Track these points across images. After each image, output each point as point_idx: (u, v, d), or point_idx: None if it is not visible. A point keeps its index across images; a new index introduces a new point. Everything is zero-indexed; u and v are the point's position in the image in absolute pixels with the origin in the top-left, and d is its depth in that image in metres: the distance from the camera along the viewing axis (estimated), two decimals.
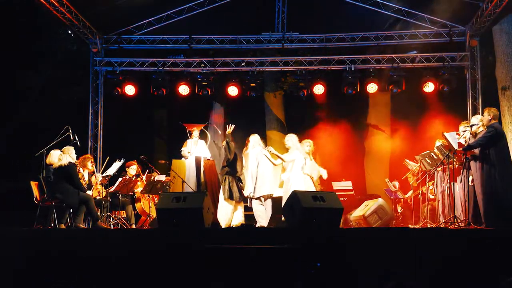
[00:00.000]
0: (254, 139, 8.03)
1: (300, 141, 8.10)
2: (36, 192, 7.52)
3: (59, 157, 7.35)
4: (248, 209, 8.25)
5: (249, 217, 8.28)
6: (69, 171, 7.20)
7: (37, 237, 6.17)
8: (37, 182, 7.56)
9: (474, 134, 6.91)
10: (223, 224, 7.81)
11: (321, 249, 5.56)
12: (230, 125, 8.13)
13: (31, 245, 5.94)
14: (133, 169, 8.72)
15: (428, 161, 7.79)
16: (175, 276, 5.61)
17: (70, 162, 7.25)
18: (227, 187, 7.96)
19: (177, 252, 5.69)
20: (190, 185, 8.81)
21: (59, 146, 7.65)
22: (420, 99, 10.53)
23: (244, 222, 7.92)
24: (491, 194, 6.60)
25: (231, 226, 7.87)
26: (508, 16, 8.72)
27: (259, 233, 6.40)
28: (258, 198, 7.79)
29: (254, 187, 7.78)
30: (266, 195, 7.77)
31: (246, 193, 7.90)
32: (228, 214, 7.88)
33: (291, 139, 7.91)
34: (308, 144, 8.03)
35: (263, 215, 7.75)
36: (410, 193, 9.18)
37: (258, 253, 5.11)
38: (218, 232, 6.71)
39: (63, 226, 7.16)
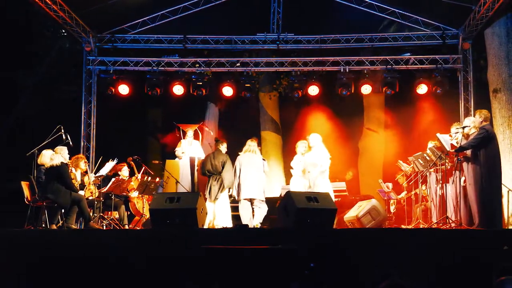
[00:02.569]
0: (248, 145, 8.15)
1: (295, 142, 8.21)
2: (27, 192, 7.45)
3: (51, 157, 7.28)
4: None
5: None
6: (60, 171, 7.14)
7: (28, 238, 6.14)
8: (28, 182, 7.48)
9: (466, 136, 6.98)
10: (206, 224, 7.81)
11: (315, 249, 5.58)
12: None
13: (21, 246, 5.91)
14: (125, 171, 8.70)
15: (421, 162, 7.84)
16: (168, 276, 5.60)
17: (62, 162, 7.19)
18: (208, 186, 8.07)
19: (170, 253, 5.68)
20: (184, 185, 8.80)
21: (51, 146, 7.60)
22: (413, 101, 10.59)
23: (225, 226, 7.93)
24: (481, 194, 6.67)
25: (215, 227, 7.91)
26: (500, 20, 8.78)
27: (253, 233, 6.40)
28: (240, 201, 7.99)
29: (238, 191, 8.01)
30: (247, 198, 7.93)
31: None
32: (209, 214, 7.95)
33: (316, 138, 8.08)
34: (304, 145, 8.12)
35: (246, 216, 7.90)
36: (403, 194, 9.24)
37: (253, 254, 5.11)
38: (212, 232, 6.71)
39: (54, 226, 7.10)
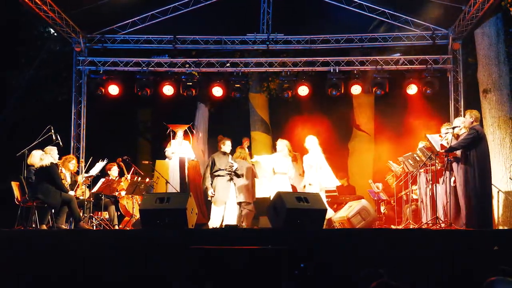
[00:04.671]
0: (239, 152, 8.30)
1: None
2: (17, 193, 7.42)
3: (41, 157, 7.26)
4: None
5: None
6: (50, 171, 7.11)
7: (18, 238, 6.09)
8: (18, 183, 7.45)
9: (456, 136, 7.01)
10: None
11: (305, 250, 5.58)
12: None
13: (11, 246, 5.87)
14: (114, 171, 8.66)
15: (411, 162, 7.87)
16: (158, 276, 5.58)
17: (51, 163, 7.16)
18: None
19: (160, 253, 5.65)
20: (174, 185, 8.77)
21: (41, 146, 7.55)
22: (403, 101, 10.63)
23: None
24: (472, 195, 6.70)
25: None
26: (490, 20, 8.84)
27: (242, 234, 6.39)
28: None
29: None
30: (241, 201, 8.10)
31: None
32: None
33: (312, 140, 8.27)
34: (282, 143, 8.21)
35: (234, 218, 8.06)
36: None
37: (243, 254, 5.10)
38: (202, 233, 6.69)
39: (44, 227, 7.07)
